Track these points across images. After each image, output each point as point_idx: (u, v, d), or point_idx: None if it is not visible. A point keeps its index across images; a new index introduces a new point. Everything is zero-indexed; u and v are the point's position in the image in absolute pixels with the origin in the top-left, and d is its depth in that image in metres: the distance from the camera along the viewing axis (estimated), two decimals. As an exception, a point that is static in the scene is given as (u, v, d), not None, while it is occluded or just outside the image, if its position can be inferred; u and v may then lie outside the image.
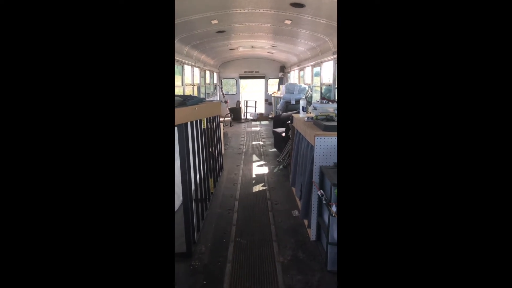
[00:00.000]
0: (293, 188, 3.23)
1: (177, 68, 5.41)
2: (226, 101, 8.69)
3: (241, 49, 7.10)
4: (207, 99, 4.81)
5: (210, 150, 3.22)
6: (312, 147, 2.26)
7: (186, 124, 2.17)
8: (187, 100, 2.18)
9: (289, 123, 3.93)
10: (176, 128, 2.08)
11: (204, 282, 1.88)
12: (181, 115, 2.06)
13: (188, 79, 6.06)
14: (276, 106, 7.51)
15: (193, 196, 2.40)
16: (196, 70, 6.69)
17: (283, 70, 9.30)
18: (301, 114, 3.03)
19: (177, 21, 3.79)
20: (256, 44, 6.49)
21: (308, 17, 3.75)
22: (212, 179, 3.29)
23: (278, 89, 8.76)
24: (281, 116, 5.41)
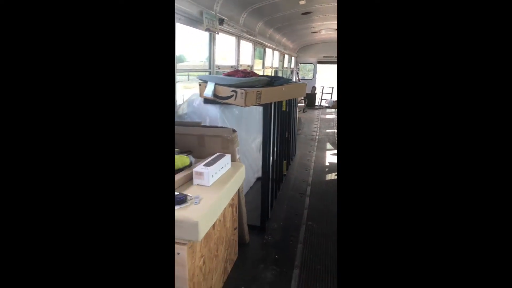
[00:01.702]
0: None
1: (258, 50, 5.53)
2: (301, 86, 8.53)
3: (323, 32, 6.80)
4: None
5: (286, 133, 3.25)
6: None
7: (270, 104, 2.23)
8: (274, 81, 2.22)
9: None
10: (261, 108, 2.16)
11: (276, 256, 1.97)
12: (267, 95, 2.12)
13: (267, 62, 6.15)
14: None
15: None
16: (276, 53, 6.72)
17: (366, 55, 8.57)
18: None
19: (262, 4, 3.83)
20: (341, 26, 6.10)
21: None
22: (286, 161, 3.34)
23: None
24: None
